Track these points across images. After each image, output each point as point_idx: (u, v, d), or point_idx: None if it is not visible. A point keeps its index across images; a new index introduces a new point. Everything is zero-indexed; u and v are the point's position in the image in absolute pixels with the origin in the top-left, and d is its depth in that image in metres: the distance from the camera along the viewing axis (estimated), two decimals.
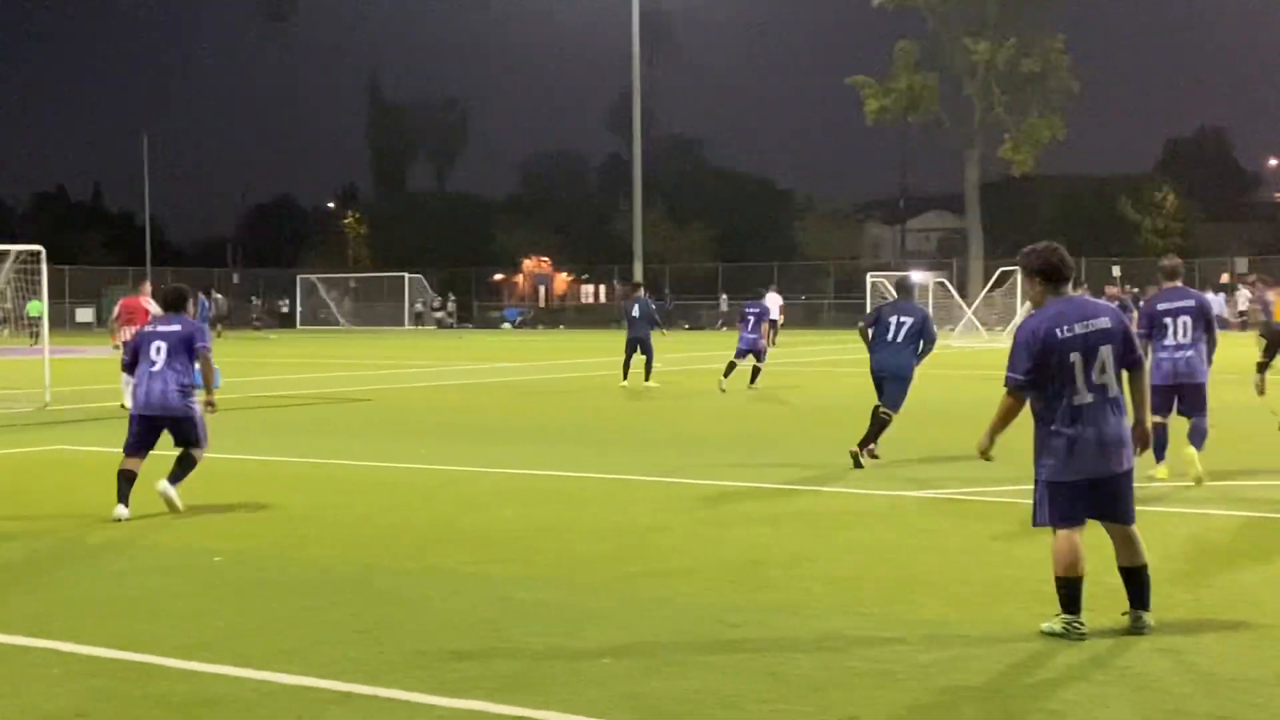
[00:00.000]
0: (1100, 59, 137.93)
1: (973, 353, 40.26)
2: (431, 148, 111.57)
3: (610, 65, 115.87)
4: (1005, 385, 7.23)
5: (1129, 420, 7.19)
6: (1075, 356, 6.97)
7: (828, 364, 35.65)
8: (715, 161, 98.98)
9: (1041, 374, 7.05)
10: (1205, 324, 12.67)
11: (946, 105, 74.23)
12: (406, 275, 79.11)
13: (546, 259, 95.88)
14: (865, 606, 7.87)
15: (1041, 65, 71.48)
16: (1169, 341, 12.59)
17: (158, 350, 11.21)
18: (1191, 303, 12.79)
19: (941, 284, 54.54)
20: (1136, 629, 7.10)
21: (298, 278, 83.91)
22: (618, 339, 30.81)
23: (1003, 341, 46.85)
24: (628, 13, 68.25)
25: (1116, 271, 67.60)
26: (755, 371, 26.21)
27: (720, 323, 69.58)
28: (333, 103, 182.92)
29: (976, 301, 52.99)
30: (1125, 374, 7.19)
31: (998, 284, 52.57)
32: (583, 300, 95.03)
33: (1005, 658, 6.73)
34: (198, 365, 11.33)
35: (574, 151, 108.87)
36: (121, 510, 10.94)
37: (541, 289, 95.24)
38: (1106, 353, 7.01)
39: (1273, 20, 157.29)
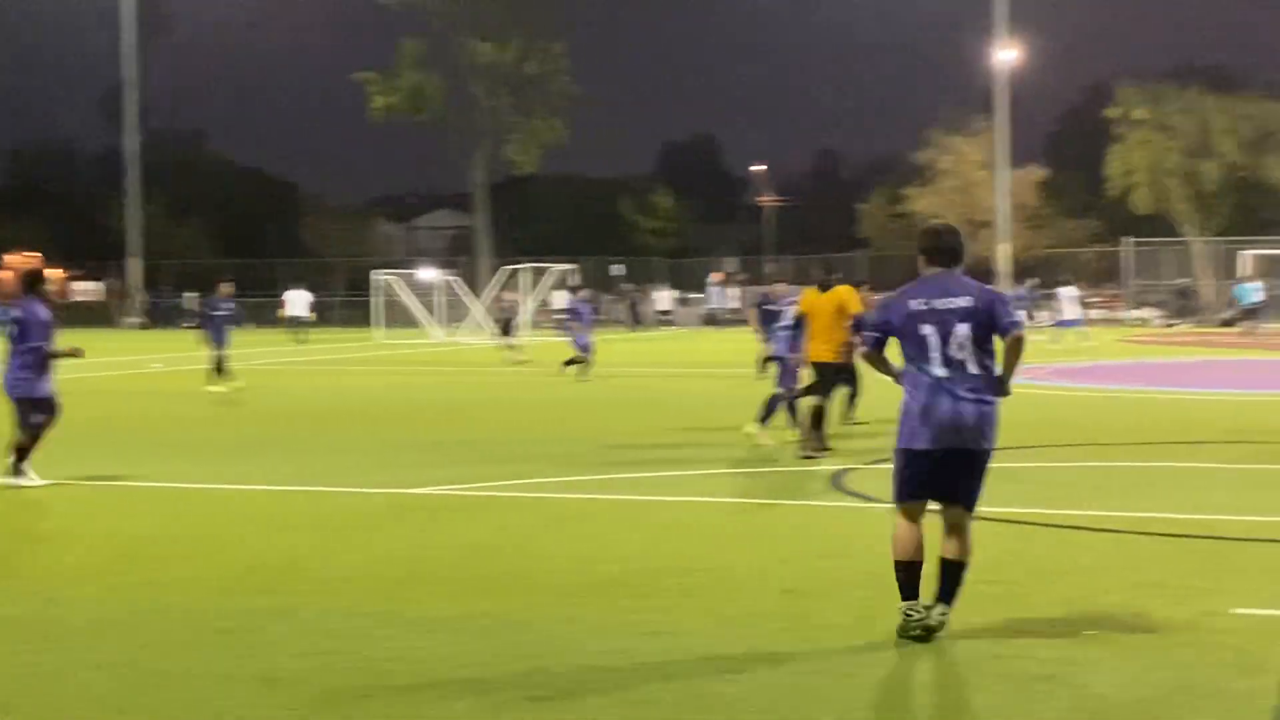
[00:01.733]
0: (601, 65, 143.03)
1: (482, 350, 40.76)
2: None
3: (104, 52, 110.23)
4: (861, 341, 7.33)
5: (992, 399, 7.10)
6: (928, 329, 7.06)
7: (337, 363, 35.25)
8: (217, 155, 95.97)
9: (900, 341, 7.16)
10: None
11: (453, 104, 74.95)
12: None
13: (37, 254, 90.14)
14: (364, 606, 7.84)
15: (543, 69, 73.38)
16: (779, 324, 15.34)
17: (10, 336, 12.39)
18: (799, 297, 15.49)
19: (450, 282, 55.00)
20: (939, 622, 6.99)
21: None
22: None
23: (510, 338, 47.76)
24: None
25: (617, 270, 70.23)
26: (573, 360, 27.08)
27: (198, 322, 67.05)
28: None
29: (485, 299, 53.75)
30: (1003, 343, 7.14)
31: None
32: (77, 298, 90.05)
33: (500, 648, 6.86)
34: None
35: (65, 141, 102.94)
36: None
37: None
38: (964, 330, 7.02)
39: (755, 34, 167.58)
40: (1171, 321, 55.62)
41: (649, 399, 22.72)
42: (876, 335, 7.32)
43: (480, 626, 7.32)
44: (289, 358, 37.04)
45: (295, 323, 49.29)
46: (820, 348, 14.54)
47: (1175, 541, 9.55)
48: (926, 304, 7.12)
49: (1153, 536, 9.70)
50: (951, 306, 7.07)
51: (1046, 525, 10.17)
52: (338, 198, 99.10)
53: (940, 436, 7.05)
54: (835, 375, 14.83)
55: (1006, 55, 60.80)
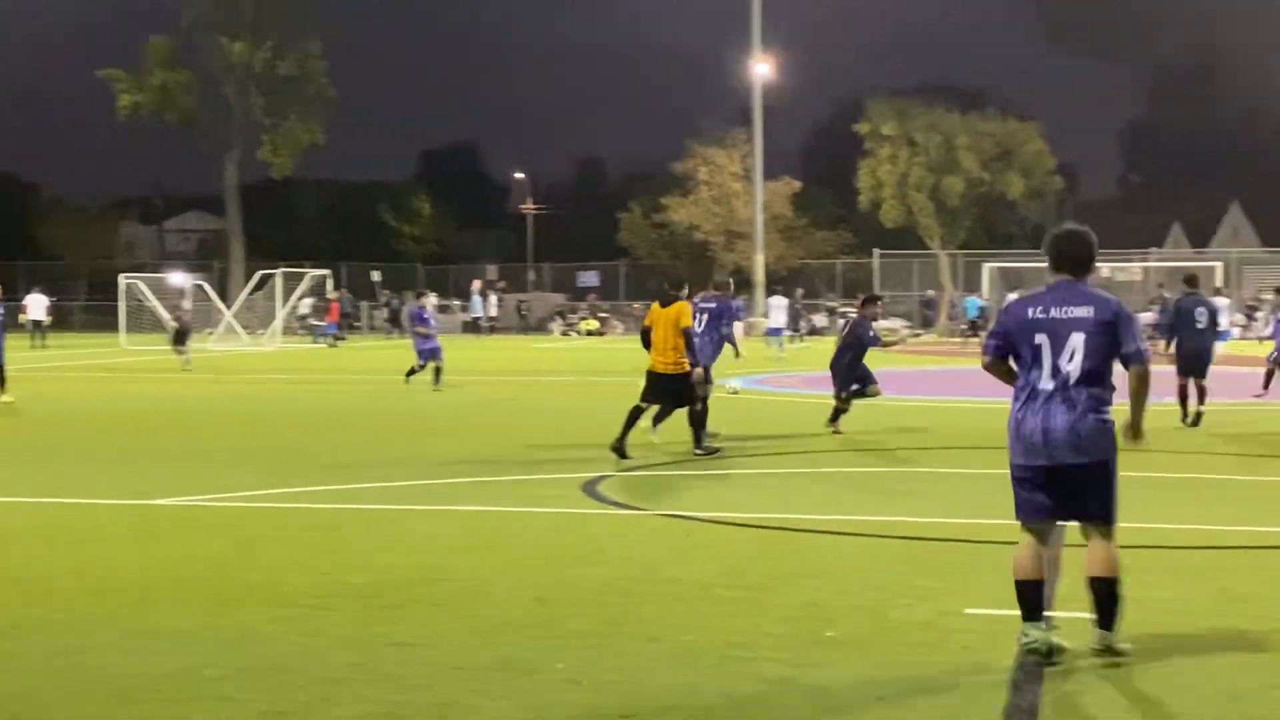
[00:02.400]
0: (359, 68, 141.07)
1: (235, 356, 39.80)
2: None
3: None
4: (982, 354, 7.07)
5: (1099, 414, 6.75)
6: (1041, 338, 6.77)
7: (80, 369, 33.96)
8: None
9: (1015, 351, 6.91)
10: (716, 324, 18.00)
11: (205, 104, 73.04)
12: None
13: None
14: (104, 620, 7.54)
15: (299, 70, 72.02)
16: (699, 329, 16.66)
17: None
18: (711, 305, 18.20)
19: (200, 287, 53.55)
20: (1105, 651, 6.66)
21: None
22: None
23: (265, 345, 46.76)
24: None
25: (376, 276, 69.40)
26: (437, 372, 25.60)
27: None
28: None
29: (237, 304, 52.50)
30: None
31: (259, 287, 52.35)
32: None
33: (244, 661, 6.69)
34: None
35: None
36: None
37: None
38: (1078, 340, 6.72)
39: (517, 39, 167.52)
40: (918, 331, 57.57)
41: (410, 407, 22.49)
42: (997, 344, 7.00)
43: (224, 639, 7.13)
44: (27, 364, 35.53)
45: (35, 327, 47.45)
46: (656, 358, 15.16)
47: (916, 544, 9.85)
48: (1045, 312, 6.84)
49: (895, 540, 10.00)
50: (1069, 316, 6.76)
51: (791, 530, 10.40)
52: (82, 198, 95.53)
53: (1029, 451, 6.81)
54: (668, 386, 15.08)
55: (762, 69, 62.09)
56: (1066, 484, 6.78)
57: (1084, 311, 6.78)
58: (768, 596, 8.09)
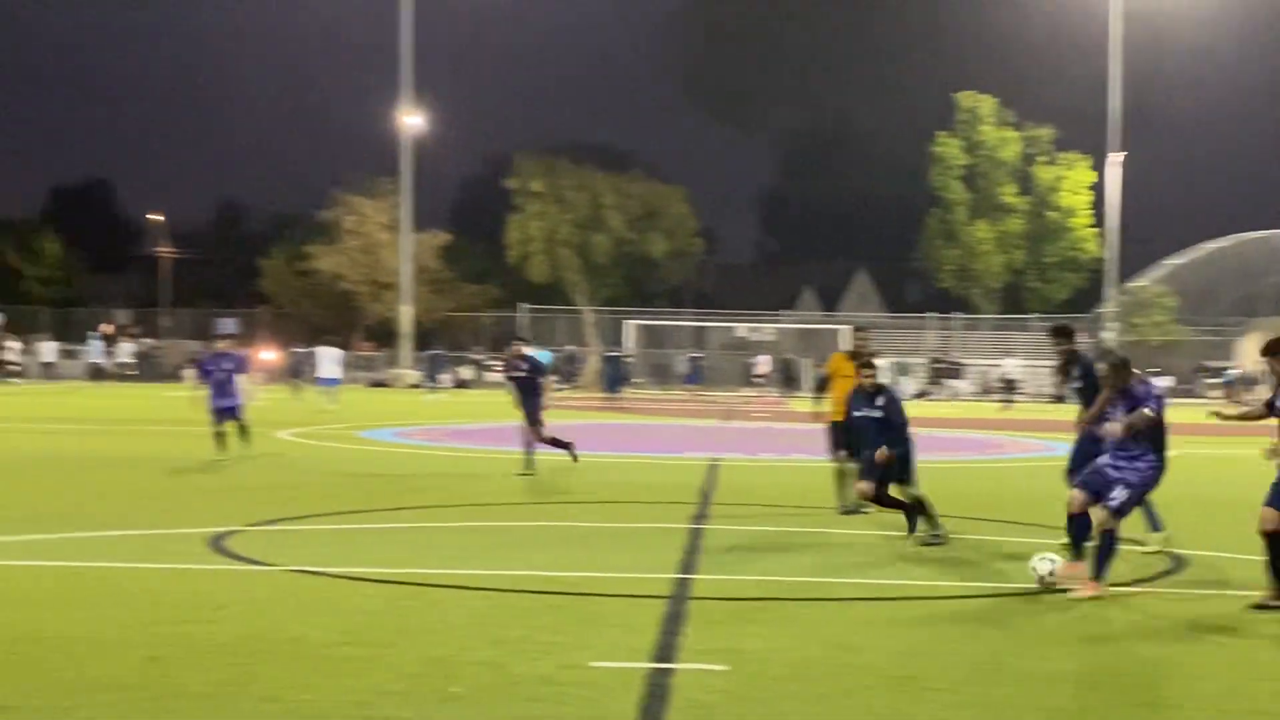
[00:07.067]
0: None
1: None
2: None
3: None
4: None
5: None
6: None
7: None
8: None
9: None
10: None
11: None
12: None
13: None
14: None
15: None
16: None
17: None
18: None
19: None
20: None
21: None
22: None
23: None
24: None
25: (0, 319, 65.73)
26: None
27: None
28: None
29: None
30: None
31: None
32: None
33: None
34: None
35: None
36: None
37: None
38: None
39: (155, 74, 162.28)
40: (561, 386, 58.31)
41: (31, 456, 21.24)
42: None
43: None
44: None
45: None
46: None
47: (543, 598, 9.86)
48: None
49: (522, 594, 9.98)
50: None
51: (419, 585, 10.24)
52: None
53: None
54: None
55: (412, 121, 62.01)
56: None
57: None
58: (390, 653, 7.93)
